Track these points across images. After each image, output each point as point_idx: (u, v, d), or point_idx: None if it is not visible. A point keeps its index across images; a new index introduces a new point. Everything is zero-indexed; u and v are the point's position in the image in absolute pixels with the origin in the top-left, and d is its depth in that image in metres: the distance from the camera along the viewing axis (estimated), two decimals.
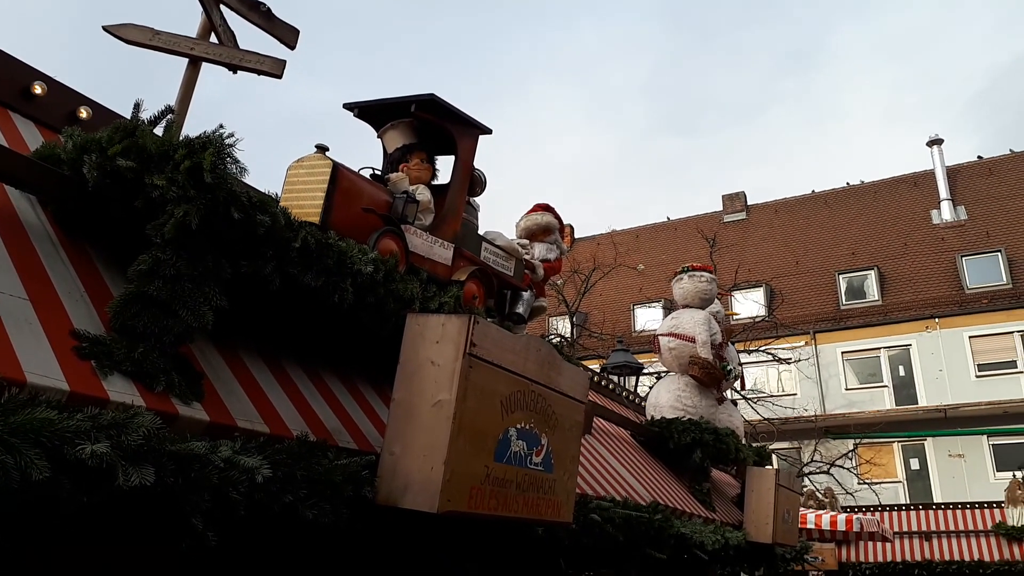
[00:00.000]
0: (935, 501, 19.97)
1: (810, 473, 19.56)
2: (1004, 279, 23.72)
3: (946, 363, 23.07)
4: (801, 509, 9.75)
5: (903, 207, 28.78)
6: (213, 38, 3.46)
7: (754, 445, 8.60)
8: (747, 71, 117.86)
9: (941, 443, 22.66)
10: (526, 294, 4.55)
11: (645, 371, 13.12)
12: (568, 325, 23.10)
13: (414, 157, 3.89)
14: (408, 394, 2.74)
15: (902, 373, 23.95)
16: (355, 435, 2.92)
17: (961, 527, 17.12)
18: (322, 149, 3.24)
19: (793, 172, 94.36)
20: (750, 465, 7.35)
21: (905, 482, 22.91)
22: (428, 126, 3.93)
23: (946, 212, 27.40)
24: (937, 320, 23.65)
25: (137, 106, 2.61)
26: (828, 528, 12.87)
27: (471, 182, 4.07)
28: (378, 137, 4.03)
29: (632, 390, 10.63)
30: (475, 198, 4.22)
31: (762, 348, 19.95)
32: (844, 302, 25.96)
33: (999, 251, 24.24)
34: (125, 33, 3.30)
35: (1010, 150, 29.12)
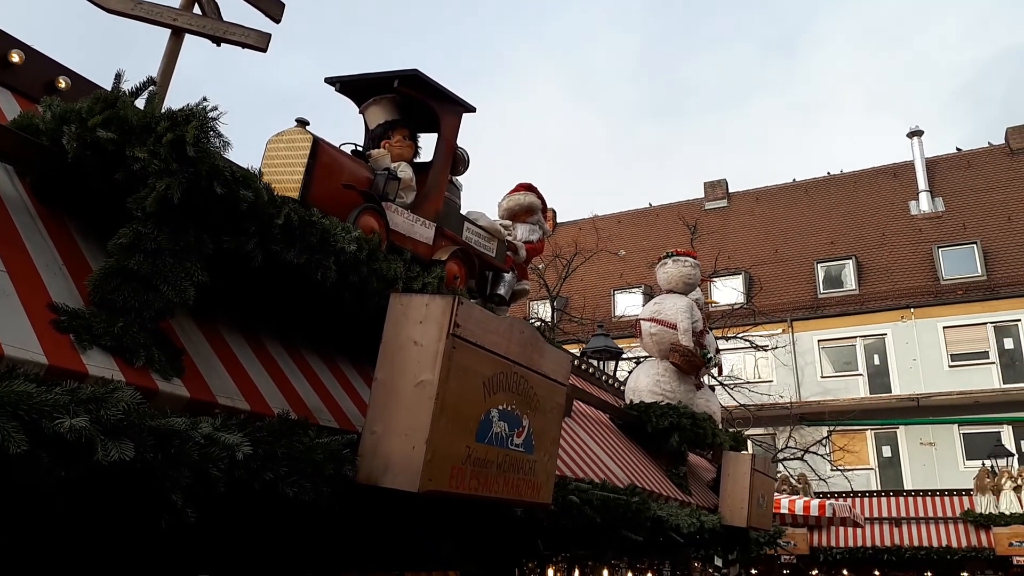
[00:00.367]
0: (906, 488, 20.30)
1: (784, 459, 19.81)
2: (979, 271, 24.03)
3: (920, 353, 23.39)
4: (775, 494, 9.88)
5: (882, 197, 29.03)
6: (196, 9, 3.40)
7: (730, 430, 8.68)
8: (732, 58, 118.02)
9: (913, 431, 23.02)
10: (508, 275, 4.53)
11: (624, 356, 13.20)
12: (549, 309, 23.14)
13: (396, 134, 3.85)
14: (390, 374, 2.73)
15: (877, 362, 24.26)
16: (336, 414, 2.91)
17: (930, 514, 17.45)
18: (302, 123, 3.19)
19: (775, 160, 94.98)
20: (726, 450, 7.42)
21: (877, 469, 23.26)
22: (411, 103, 3.88)
23: (924, 203, 27.67)
24: (912, 310, 23.95)
25: (118, 77, 2.56)
26: (801, 513, 13.06)
27: (454, 161, 4.03)
28: (360, 113, 3.98)
29: (611, 374, 10.68)
30: (458, 177, 4.18)
31: (740, 335, 20.12)
32: (822, 291, 26.20)
33: (975, 243, 24.54)
34: (106, 1, 3.23)
35: (988, 143, 29.43)
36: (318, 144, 3.15)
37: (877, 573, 17.54)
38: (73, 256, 2.38)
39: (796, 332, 25.28)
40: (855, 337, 24.65)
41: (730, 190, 33.29)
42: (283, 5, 3.66)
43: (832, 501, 14.01)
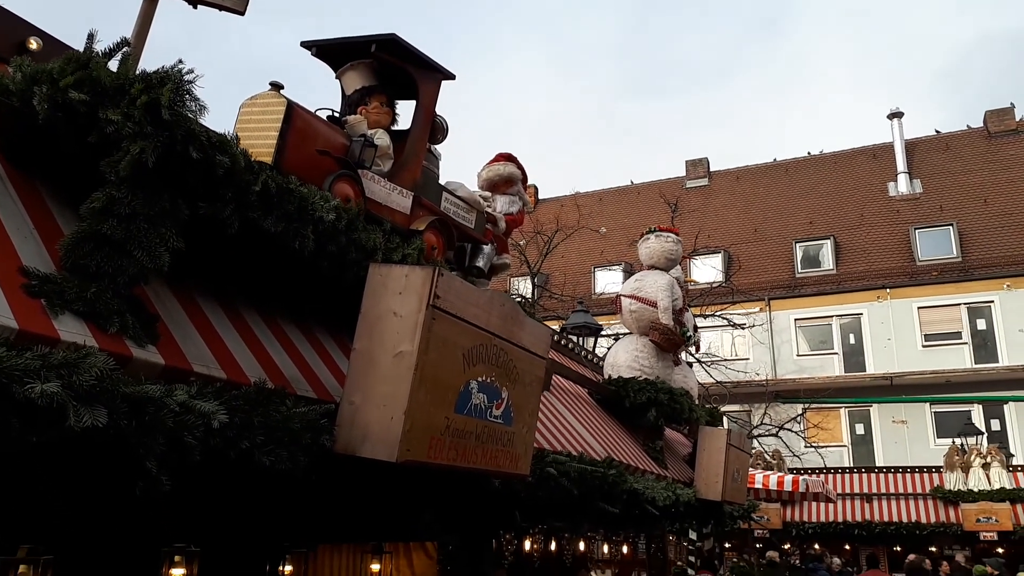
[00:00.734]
0: (878, 465, 20.66)
1: (759, 436, 20.07)
2: (954, 252, 24.32)
3: (895, 332, 23.69)
4: (750, 470, 10.01)
5: (861, 178, 29.22)
6: None
7: (706, 406, 8.77)
8: (715, 34, 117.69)
9: (886, 409, 23.38)
10: (487, 248, 4.50)
11: (603, 333, 13.25)
12: (529, 286, 23.15)
13: (373, 100, 3.78)
14: (369, 344, 2.72)
15: (852, 341, 24.55)
16: (314, 384, 2.90)
17: (901, 490, 17.80)
18: (276, 87, 3.12)
19: (757, 139, 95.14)
20: (702, 425, 7.50)
21: (850, 446, 23.63)
22: (389, 68, 3.81)
23: (902, 185, 27.89)
24: (888, 290, 24.22)
25: (91, 37, 2.49)
26: (775, 488, 13.26)
27: (432, 129, 3.96)
28: (336, 78, 3.90)
29: (591, 350, 10.73)
30: (436, 146, 4.12)
31: (718, 313, 20.27)
32: (800, 270, 26.40)
33: (951, 225, 24.80)
34: None
35: (967, 126, 29.66)
36: (292, 108, 3.08)
37: (848, 547, 17.90)
38: (44, 220, 2.33)
39: (773, 311, 25.51)
40: (831, 316, 24.92)
41: (711, 169, 33.35)
42: None
43: (805, 477, 14.24)
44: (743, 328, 22.19)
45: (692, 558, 11.51)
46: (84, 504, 2.61)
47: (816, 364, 24.37)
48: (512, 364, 3.29)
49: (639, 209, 31.56)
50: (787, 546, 17.75)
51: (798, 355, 24.87)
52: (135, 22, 3.24)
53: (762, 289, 25.81)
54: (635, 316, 7.81)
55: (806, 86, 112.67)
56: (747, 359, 24.41)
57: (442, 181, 4.14)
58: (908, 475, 18.22)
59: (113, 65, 2.41)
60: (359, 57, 3.76)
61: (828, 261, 26.23)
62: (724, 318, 20.43)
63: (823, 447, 21.16)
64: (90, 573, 3.91)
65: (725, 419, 11.05)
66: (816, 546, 17.24)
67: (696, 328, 9.12)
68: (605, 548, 8.09)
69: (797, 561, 16.71)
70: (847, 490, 18.13)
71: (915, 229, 25.34)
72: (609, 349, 8.53)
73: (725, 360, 22.34)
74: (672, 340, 7.69)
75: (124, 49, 2.50)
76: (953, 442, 18.46)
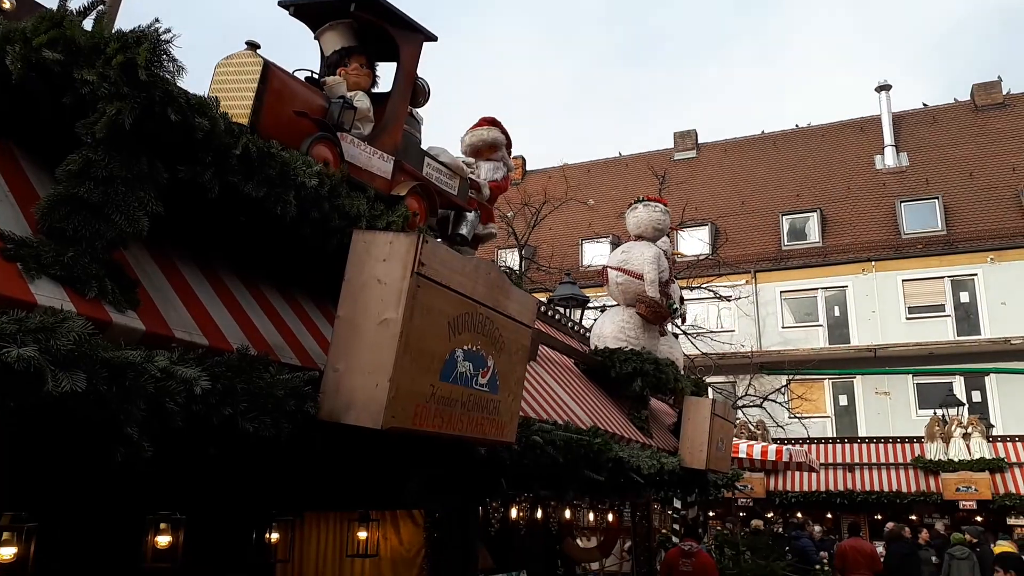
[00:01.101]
0: (860, 435, 20.92)
1: (744, 406, 20.26)
2: (939, 226, 24.45)
3: (879, 305, 23.88)
4: (734, 439, 10.10)
5: (848, 151, 29.24)
6: None
7: (691, 377, 8.82)
8: (704, 4, 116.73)
9: (869, 381, 23.64)
10: (470, 215, 4.44)
11: (590, 305, 13.28)
12: (517, 258, 23.13)
13: (353, 61, 3.69)
14: (353, 311, 2.70)
15: (837, 313, 24.73)
16: (297, 351, 2.88)
17: (883, 460, 18.06)
18: (252, 46, 3.04)
19: (745, 111, 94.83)
20: (687, 395, 7.54)
21: (833, 417, 23.91)
22: (369, 29, 3.72)
23: (889, 158, 27.94)
24: (873, 263, 24.36)
25: None
26: (759, 458, 13.41)
27: (414, 92, 3.88)
28: (315, 39, 3.82)
29: (578, 321, 10.75)
30: (418, 109, 4.04)
31: (704, 285, 20.34)
32: (786, 243, 26.49)
33: (936, 198, 24.90)
34: None
35: (954, 99, 29.70)
36: (269, 68, 3.01)
37: (830, 516, 18.18)
38: (19, 183, 2.29)
39: (759, 283, 25.62)
40: (816, 289, 25.07)
41: (699, 141, 33.28)
42: None
43: (789, 447, 14.40)
44: (729, 300, 22.29)
45: (676, 526, 11.66)
46: (67, 471, 2.60)
47: (801, 336, 24.56)
48: (498, 333, 3.28)
49: (627, 181, 31.47)
50: (770, 515, 18.02)
51: (783, 327, 25.04)
52: None
53: (748, 261, 25.90)
54: (621, 288, 7.81)
55: (795, 58, 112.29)
56: (732, 331, 24.56)
57: (424, 147, 4.07)
58: (890, 445, 18.48)
59: (88, 24, 2.36)
60: (338, 17, 3.67)
61: (814, 234, 26.32)
62: (710, 290, 20.51)
63: (807, 418, 21.40)
64: (75, 541, 3.91)
65: (710, 390, 11.13)
66: (799, 515, 17.50)
67: (683, 300, 9.14)
68: (591, 516, 8.17)
69: (780, 529, 16.98)
70: (830, 460, 18.38)
71: (901, 202, 25.43)
72: (596, 321, 8.54)
73: (711, 332, 22.46)
74: (658, 313, 7.70)
75: (99, 7, 2.43)
76: (934, 413, 18.71)
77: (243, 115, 2.85)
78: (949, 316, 23.19)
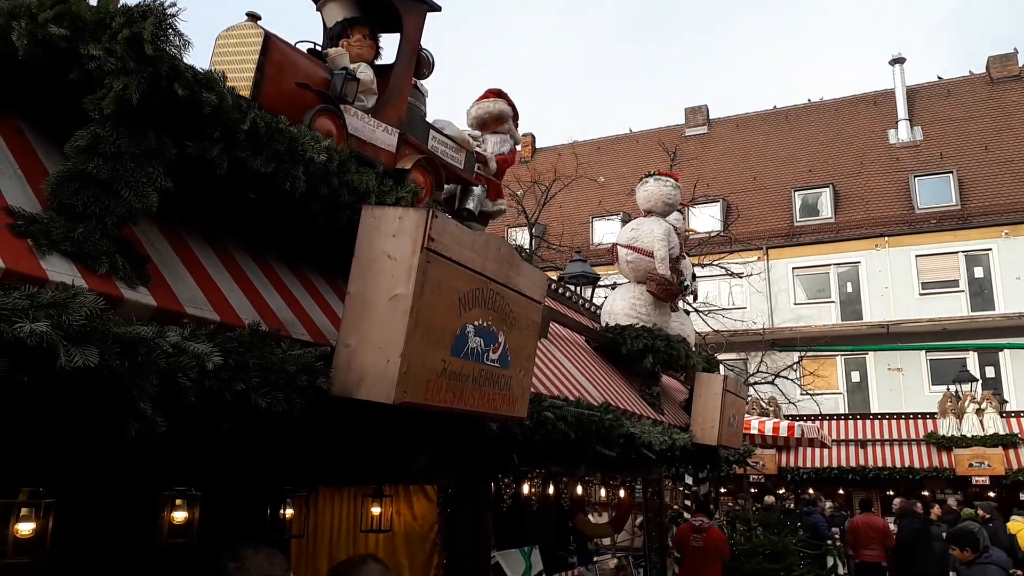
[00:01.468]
0: (873, 412, 20.89)
1: (755, 383, 20.22)
2: (953, 200, 24.21)
3: (892, 281, 23.73)
4: (745, 416, 10.11)
5: (862, 126, 28.94)
6: None
7: (703, 353, 8.80)
8: None
9: (882, 357, 23.55)
10: (477, 189, 4.40)
11: (601, 283, 13.24)
12: (527, 236, 23.08)
13: (356, 32, 3.63)
14: (363, 287, 2.69)
15: (849, 289, 24.61)
16: (308, 327, 2.88)
17: (895, 436, 18.04)
18: (253, 17, 2.99)
19: (757, 86, 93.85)
20: (699, 371, 7.53)
21: (845, 393, 23.87)
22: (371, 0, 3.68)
23: (903, 132, 27.63)
24: (886, 239, 24.18)
25: None
26: (771, 434, 13.42)
27: (418, 63, 3.82)
28: (317, 10, 3.77)
29: (588, 299, 10.73)
30: (422, 81, 3.99)
31: (715, 262, 20.25)
32: (798, 219, 26.32)
33: (951, 172, 24.64)
34: None
35: (969, 71, 29.28)
36: (270, 40, 2.96)
37: (842, 492, 18.21)
38: (28, 159, 2.28)
39: (771, 260, 25.50)
40: (829, 265, 24.93)
41: (711, 116, 33.00)
42: None
43: (801, 423, 14.39)
44: (741, 277, 22.18)
45: (688, 502, 11.70)
46: (82, 447, 2.62)
47: (813, 312, 24.47)
48: (508, 309, 3.27)
49: (638, 158, 31.28)
50: (782, 491, 18.06)
51: (795, 304, 24.95)
52: None
53: (760, 238, 25.76)
54: (632, 266, 7.78)
55: (808, 32, 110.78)
56: (744, 308, 24.48)
57: (429, 119, 4.02)
58: (902, 421, 18.45)
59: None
60: None
61: (827, 209, 26.13)
62: (722, 267, 20.41)
63: (819, 394, 21.35)
64: (92, 516, 3.96)
65: (721, 367, 11.09)
66: (810, 491, 17.53)
67: (695, 277, 9.10)
68: (602, 492, 8.20)
69: (791, 505, 17.02)
70: (842, 436, 18.38)
71: (915, 177, 25.19)
72: (606, 298, 8.52)
73: (722, 309, 22.39)
74: (669, 290, 7.67)
75: None
76: (947, 389, 18.64)
77: (244, 87, 2.82)
78: (963, 291, 23.03)
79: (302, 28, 4.08)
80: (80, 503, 3.78)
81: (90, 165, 2.14)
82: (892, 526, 12.67)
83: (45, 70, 2.28)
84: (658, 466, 6.85)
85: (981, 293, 22.93)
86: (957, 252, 23.32)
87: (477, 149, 4.50)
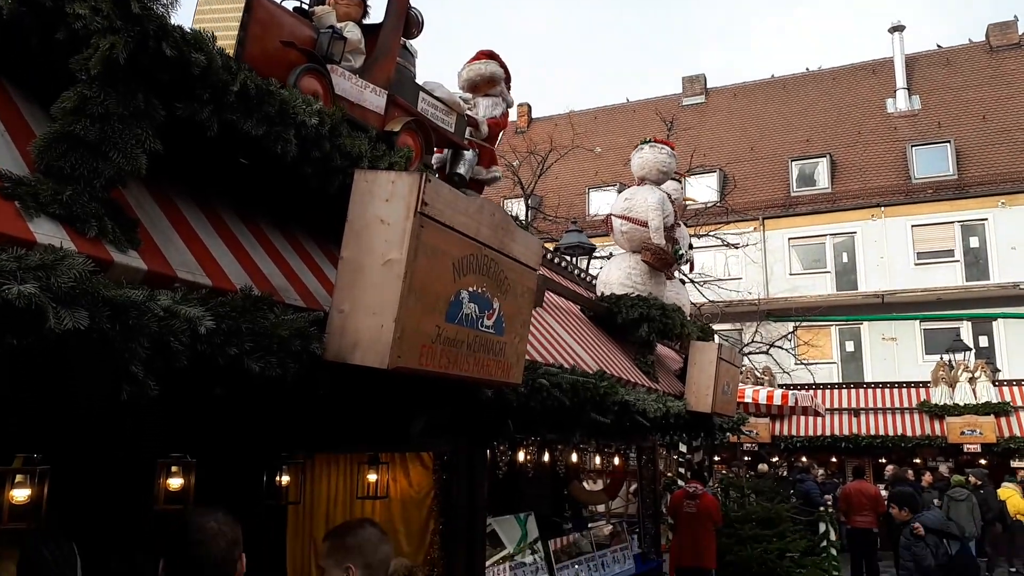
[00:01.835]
0: (866, 381, 21.01)
1: (750, 353, 20.30)
2: (950, 170, 24.14)
3: (888, 251, 23.75)
4: (739, 385, 10.16)
5: (860, 95, 28.75)
6: None
7: (698, 323, 8.81)
8: None
9: (876, 327, 23.64)
10: (468, 154, 4.33)
11: (597, 254, 13.22)
12: (523, 207, 22.98)
13: None
14: (357, 252, 2.68)
15: (845, 260, 24.63)
16: (301, 292, 2.87)
17: (888, 405, 18.17)
18: None
19: (756, 54, 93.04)
20: (694, 340, 7.54)
21: (839, 363, 24.00)
22: None
23: (901, 101, 27.47)
24: (883, 209, 24.15)
25: None
26: (764, 403, 13.51)
27: (407, 22, 3.74)
28: None
29: (584, 269, 10.72)
30: (411, 42, 3.91)
31: (711, 233, 20.21)
32: (795, 189, 26.25)
33: (948, 142, 24.55)
34: None
35: (969, 40, 29.05)
36: None
37: (834, 459, 18.39)
38: (14, 120, 2.25)
39: (767, 230, 25.49)
40: (825, 235, 24.93)
41: (708, 86, 32.75)
42: None
43: (795, 392, 14.48)
44: (737, 248, 22.16)
45: (682, 470, 11.81)
46: (76, 412, 2.62)
47: (808, 283, 24.51)
48: (503, 275, 3.25)
49: (635, 128, 31.06)
50: (775, 459, 18.22)
51: (791, 274, 24.98)
52: None
53: (756, 208, 25.72)
54: (627, 236, 7.75)
55: None
56: (740, 279, 24.50)
57: (419, 81, 3.95)
58: (895, 390, 18.57)
59: None
60: None
61: (823, 179, 26.06)
62: (718, 238, 20.38)
63: (813, 364, 21.45)
64: (87, 483, 3.98)
65: (716, 337, 11.12)
66: (803, 459, 17.70)
67: (691, 246, 9.08)
68: (597, 460, 8.27)
69: (784, 473, 17.19)
70: (835, 405, 18.51)
71: (912, 146, 25.09)
72: (602, 268, 8.50)
73: (718, 280, 22.40)
74: (664, 259, 7.65)
75: None
76: (941, 358, 18.74)
77: (228, 46, 2.74)
78: (958, 261, 23.08)
79: None
80: (76, 470, 3.80)
81: (77, 127, 2.11)
82: (884, 493, 12.82)
83: (31, 30, 2.24)
84: (652, 434, 6.90)
85: (976, 263, 22.97)
86: (953, 222, 23.32)
87: (468, 112, 4.43)
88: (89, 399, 2.33)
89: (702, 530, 8.41)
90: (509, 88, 5.17)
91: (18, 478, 3.27)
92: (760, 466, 15.62)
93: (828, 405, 18.08)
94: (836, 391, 19.22)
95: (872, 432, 17.43)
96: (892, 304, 23.20)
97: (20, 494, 3.28)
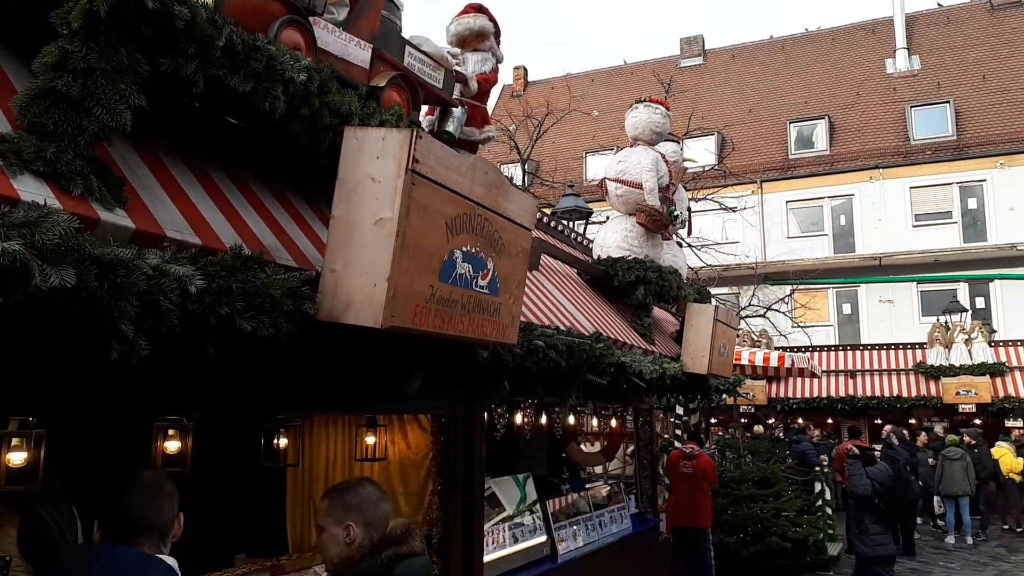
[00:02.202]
0: (863, 343, 21.08)
1: (747, 316, 20.32)
2: (949, 131, 23.98)
3: (886, 213, 23.68)
4: (736, 348, 10.18)
5: (859, 55, 28.44)
6: None
7: (695, 286, 8.80)
8: None
9: (873, 289, 23.66)
10: (456, 111, 4.24)
11: (594, 220, 13.15)
12: (520, 173, 22.83)
13: None
14: (348, 211, 2.65)
15: (843, 222, 24.56)
16: (293, 252, 2.84)
17: (884, 366, 18.26)
18: None
19: (755, 12, 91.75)
20: (690, 303, 7.53)
21: (836, 326, 24.05)
22: None
23: (900, 61, 27.18)
24: (881, 171, 24.03)
25: None
26: (761, 364, 13.55)
27: None
28: None
29: (581, 233, 10.68)
30: None
31: (709, 196, 20.11)
32: (793, 151, 26.09)
33: (948, 102, 24.35)
34: None
35: None
36: None
37: (830, 420, 18.53)
38: None
39: (765, 193, 25.37)
40: (823, 198, 24.83)
41: (706, 47, 32.37)
42: None
43: (791, 354, 14.52)
44: (735, 211, 22.07)
45: (679, 431, 11.89)
46: (70, 375, 2.61)
47: (806, 246, 24.47)
48: (497, 235, 3.23)
49: (632, 90, 30.68)
50: (772, 421, 18.36)
51: (788, 237, 24.93)
52: None
53: (754, 171, 25.57)
54: (622, 200, 7.69)
55: None
56: (737, 242, 24.43)
57: (405, 36, 3.85)
58: (892, 351, 18.65)
59: None
60: None
61: (822, 141, 25.89)
62: (716, 201, 20.28)
63: (810, 327, 21.49)
64: (83, 447, 3.99)
65: (713, 300, 11.13)
66: (799, 420, 17.83)
67: (690, 209, 9.02)
68: (594, 422, 8.31)
69: (780, 434, 17.33)
70: (832, 367, 18.60)
71: (911, 107, 24.88)
72: (599, 232, 8.45)
73: (716, 244, 22.35)
74: (659, 221, 7.60)
75: None
76: (937, 319, 18.79)
77: None
78: (956, 223, 23.02)
79: None
80: (71, 433, 3.81)
81: (59, 82, 2.07)
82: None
83: None
84: (649, 395, 6.92)
85: (974, 224, 22.92)
86: (951, 183, 23.22)
87: (457, 68, 4.33)
88: (81, 360, 2.32)
89: (698, 490, 8.48)
90: (499, 43, 5.04)
91: (14, 441, 3.27)
92: (756, 427, 15.73)
93: (824, 367, 18.17)
94: (833, 353, 19.30)
95: (868, 393, 17.54)
96: (890, 266, 23.20)
97: (17, 457, 3.29)
